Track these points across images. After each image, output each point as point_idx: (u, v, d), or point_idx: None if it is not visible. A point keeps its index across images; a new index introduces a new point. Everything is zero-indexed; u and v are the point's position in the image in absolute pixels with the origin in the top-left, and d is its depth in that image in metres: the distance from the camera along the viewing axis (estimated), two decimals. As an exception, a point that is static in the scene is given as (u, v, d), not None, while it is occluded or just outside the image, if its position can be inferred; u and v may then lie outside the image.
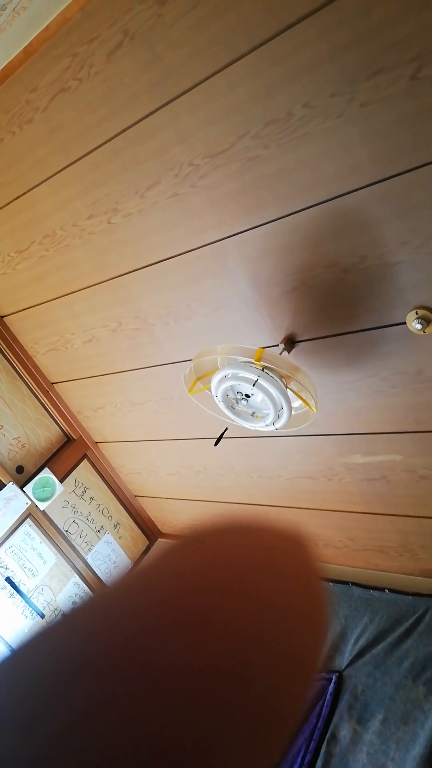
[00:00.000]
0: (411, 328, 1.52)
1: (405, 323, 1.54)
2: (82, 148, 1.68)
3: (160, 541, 3.25)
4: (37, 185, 1.87)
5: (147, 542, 3.21)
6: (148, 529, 3.22)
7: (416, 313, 1.49)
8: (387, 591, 2.19)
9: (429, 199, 1.31)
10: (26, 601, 2.55)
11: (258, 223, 1.57)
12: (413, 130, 1.23)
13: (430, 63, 1.13)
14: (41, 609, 2.60)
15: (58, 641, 0.26)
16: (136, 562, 3.11)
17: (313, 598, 0.32)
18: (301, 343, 1.77)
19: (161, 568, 0.31)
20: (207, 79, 1.38)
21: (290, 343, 1.78)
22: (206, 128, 1.46)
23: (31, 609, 2.56)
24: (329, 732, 1.88)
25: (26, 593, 2.56)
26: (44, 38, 1.48)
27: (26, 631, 2.55)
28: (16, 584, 2.53)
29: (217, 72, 1.35)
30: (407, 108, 1.20)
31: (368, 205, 1.39)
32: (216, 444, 1.80)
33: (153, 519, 3.22)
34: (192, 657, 0.24)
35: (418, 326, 1.50)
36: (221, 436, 1.82)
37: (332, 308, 1.63)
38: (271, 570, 0.32)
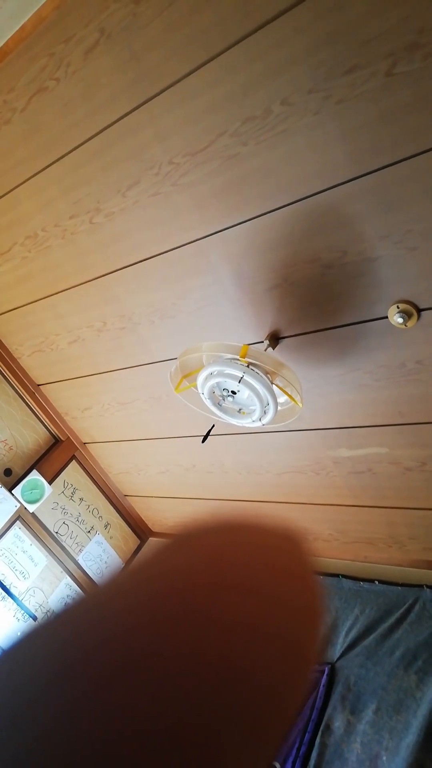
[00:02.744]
0: (393, 322, 1.53)
1: (387, 317, 1.55)
2: (62, 148, 1.68)
3: (151, 540, 3.25)
4: (17, 186, 1.86)
5: (138, 541, 3.21)
6: (138, 528, 3.22)
7: (398, 307, 1.51)
8: (377, 582, 2.22)
9: (407, 195, 1.32)
10: (18, 604, 2.54)
11: (240, 221, 1.58)
12: (389, 127, 1.24)
13: (404, 59, 1.14)
14: (33, 611, 2.60)
15: (49, 640, 0.26)
16: (128, 561, 3.11)
17: (308, 590, 0.32)
18: (286, 339, 1.78)
19: (155, 565, 0.31)
20: (184, 77, 1.38)
21: (275, 339, 1.79)
22: (185, 127, 1.46)
23: (23, 611, 2.56)
24: (323, 723, 1.90)
25: (17, 596, 2.55)
26: (20, 38, 1.47)
27: (18, 633, 2.54)
28: (7, 587, 2.52)
29: (195, 70, 1.36)
30: (383, 104, 1.21)
31: (347, 202, 1.40)
32: (203, 441, 1.80)
33: (143, 518, 3.22)
34: (188, 651, 0.24)
35: (400, 320, 1.51)
36: (208, 433, 1.82)
37: (315, 304, 1.64)
38: (266, 565, 0.32)
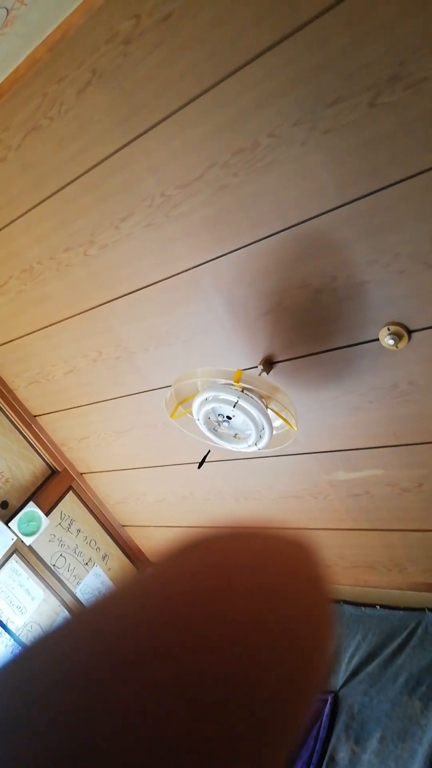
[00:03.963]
0: (384, 344, 1.56)
1: (378, 339, 1.58)
2: (56, 184, 1.72)
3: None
4: (12, 221, 1.89)
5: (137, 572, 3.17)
6: (137, 558, 3.19)
7: (388, 329, 1.54)
8: (378, 607, 2.20)
9: (393, 220, 1.36)
10: (15, 640, 2.50)
11: (231, 249, 1.61)
12: (373, 155, 1.28)
13: (386, 90, 1.19)
14: (31, 647, 2.55)
15: (51, 650, 0.26)
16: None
17: (319, 598, 0.32)
18: (280, 364, 1.81)
19: (166, 570, 0.31)
20: (175, 112, 1.43)
21: (269, 364, 1.81)
22: (176, 160, 1.51)
23: (20, 647, 2.51)
24: (327, 755, 1.86)
25: (14, 631, 2.51)
26: (14, 80, 1.53)
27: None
28: (4, 622, 2.48)
29: (184, 106, 1.41)
30: (367, 133, 1.26)
31: (335, 228, 1.44)
32: (199, 467, 1.81)
33: (142, 548, 3.19)
34: (191, 676, 0.24)
35: (391, 342, 1.54)
36: (204, 459, 1.83)
37: (307, 328, 1.67)
38: (276, 571, 0.32)
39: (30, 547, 2.64)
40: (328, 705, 1.97)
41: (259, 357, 1.82)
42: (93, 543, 2.97)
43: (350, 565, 2.34)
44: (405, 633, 2.04)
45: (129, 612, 0.27)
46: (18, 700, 0.23)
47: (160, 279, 1.80)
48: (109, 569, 3.01)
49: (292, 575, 0.33)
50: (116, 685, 0.23)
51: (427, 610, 2.07)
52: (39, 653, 0.26)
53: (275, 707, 0.25)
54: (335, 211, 1.41)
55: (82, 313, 2.07)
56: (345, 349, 1.66)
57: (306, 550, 0.35)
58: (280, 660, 0.26)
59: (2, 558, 2.54)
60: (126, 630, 0.25)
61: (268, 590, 0.30)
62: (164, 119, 1.45)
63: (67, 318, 2.12)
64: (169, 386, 1.73)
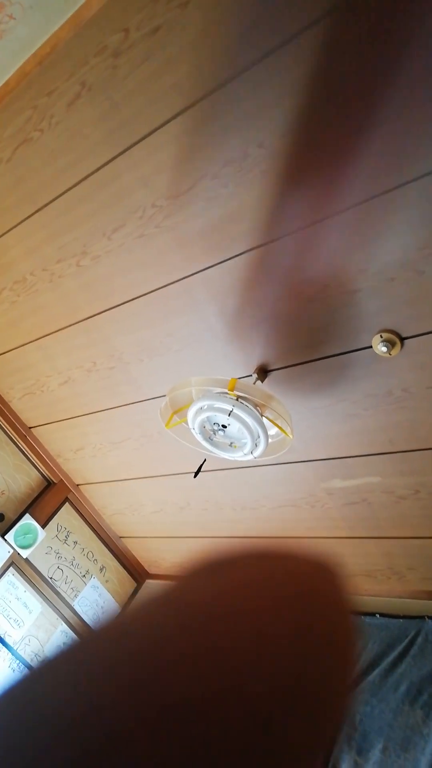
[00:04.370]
0: (377, 351, 1.56)
1: (371, 347, 1.58)
2: (47, 196, 1.72)
3: (148, 582, 3.20)
4: (4, 233, 1.90)
5: (134, 584, 3.16)
6: (135, 570, 3.17)
7: (381, 337, 1.54)
8: (377, 616, 2.18)
9: (382, 229, 1.36)
10: (13, 654, 2.48)
11: (222, 259, 1.62)
12: (359, 166, 1.29)
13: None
14: (28, 661, 2.53)
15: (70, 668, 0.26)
16: (125, 605, 3.05)
17: (343, 621, 0.31)
18: (274, 372, 1.80)
19: (177, 598, 0.30)
20: (164, 124, 1.43)
21: (263, 372, 1.81)
22: (167, 171, 1.51)
23: (18, 661, 2.49)
24: (330, 766, 1.84)
25: (12, 645, 2.49)
26: (4, 93, 1.53)
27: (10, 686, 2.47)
28: (2, 636, 2.46)
29: (173, 118, 1.41)
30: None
31: (326, 237, 1.44)
32: (195, 476, 1.80)
33: (139, 560, 3.17)
34: (216, 694, 0.23)
35: (384, 349, 1.54)
36: (200, 468, 1.82)
37: (301, 336, 1.67)
38: (300, 593, 0.31)
39: (27, 560, 2.63)
40: (328, 715, 1.95)
41: (254, 365, 1.82)
42: (90, 555, 2.95)
43: (349, 574, 2.32)
44: (405, 641, 2.03)
45: (154, 635, 0.26)
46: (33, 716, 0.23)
47: (153, 289, 1.80)
48: (106, 581, 2.99)
49: (316, 601, 0.32)
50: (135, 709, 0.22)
51: (427, 618, 2.05)
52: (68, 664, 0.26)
53: (300, 735, 0.24)
54: (325, 220, 1.41)
55: (75, 323, 2.07)
56: (338, 356, 1.66)
57: (330, 572, 0.35)
58: (303, 689, 0.26)
59: (-1, 571, 2.52)
60: (155, 652, 0.25)
61: (291, 614, 0.29)
62: (154, 131, 1.45)
63: (61, 329, 2.12)
64: (164, 396, 1.73)
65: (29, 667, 2.53)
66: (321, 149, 1.30)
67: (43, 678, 0.26)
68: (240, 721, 0.23)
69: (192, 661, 0.24)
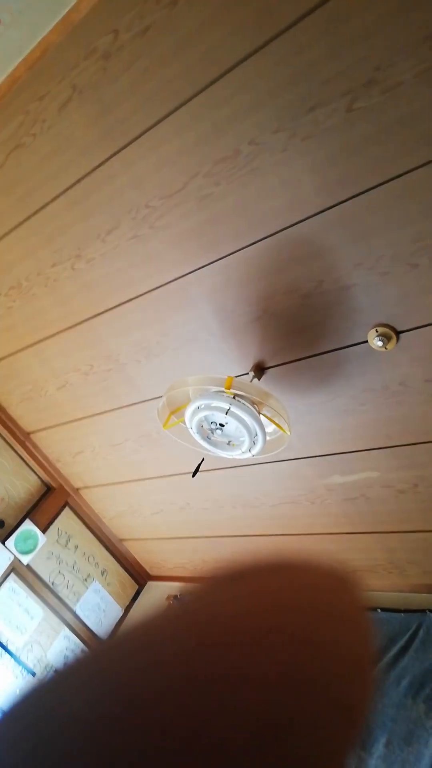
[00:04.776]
0: (373, 346, 1.57)
1: (367, 341, 1.59)
2: (41, 200, 1.73)
3: (150, 584, 3.20)
4: (-1, 238, 1.90)
5: (136, 587, 3.15)
6: (136, 573, 3.17)
7: (376, 331, 1.55)
8: (379, 610, 2.19)
9: (375, 223, 1.37)
10: (15, 660, 2.47)
11: (217, 257, 1.63)
12: (354, 159, 1.30)
13: (362, 96, 1.21)
14: (31, 667, 2.52)
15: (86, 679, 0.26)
16: (127, 608, 3.05)
17: (360, 637, 0.31)
18: (271, 369, 1.81)
19: (192, 613, 0.30)
20: (155, 125, 1.44)
21: (260, 370, 1.82)
22: (159, 171, 1.52)
23: (21, 668, 2.48)
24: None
25: (15, 652, 2.48)
26: (-4, 98, 1.54)
27: (18, 691, 2.47)
28: (4, 643, 2.45)
29: (165, 118, 1.42)
30: (345, 138, 1.27)
31: (319, 233, 1.45)
32: (194, 475, 1.80)
33: (141, 562, 3.17)
34: (235, 709, 0.23)
35: (380, 343, 1.55)
36: (198, 467, 1.82)
37: (296, 333, 1.68)
38: (318, 611, 0.31)
39: (28, 566, 2.62)
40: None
41: (250, 363, 1.83)
42: (91, 559, 2.95)
43: (350, 570, 2.33)
44: (407, 636, 2.03)
45: (168, 653, 0.26)
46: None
47: (148, 290, 1.81)
48: (108, 584, 2.99)
49: (332, 611, 0.32)
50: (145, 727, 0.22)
51: (428, 612, 2.06)
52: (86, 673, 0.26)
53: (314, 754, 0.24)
54: (319, 215, 1.42)
55: (72, 327, 2.07)
56: (335, 352, 1.67)
57: (346, 582, 0.35)
58: (319, 704, 0.26)
59: (0, 578, 2.51)
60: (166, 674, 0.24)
61: (308, 630, 0.29)
62: (145, 132, 1.46)
63: (58, 333, 2.12)
64: (162, 396, 1.73)
65: (33, 673, 2.52)
66: (314, 145, 1.32)
67: (55, 689, 0.26)
68: (258, 735, 0.23)
69: (212, 677, 0.24)
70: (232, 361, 1.86)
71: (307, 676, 0.26)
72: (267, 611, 0.29)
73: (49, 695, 0.26)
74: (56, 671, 0.27)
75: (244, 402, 1.58)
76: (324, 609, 0.31)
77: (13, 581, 2.56)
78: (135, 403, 2.22)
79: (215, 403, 1.58)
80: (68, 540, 2.85)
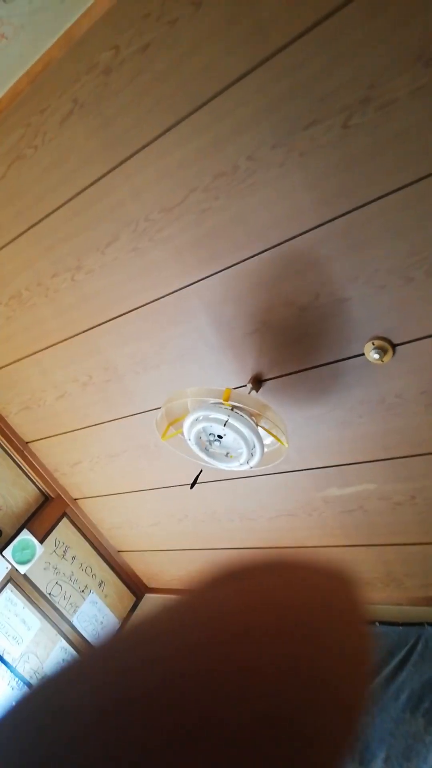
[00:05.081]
0: (370, 359, 1.58)
1: (364, 354, 1.59)
2: (42, 211, 1.74)
3: (148, 597, 3.18)
4: (-1, 249, 1.92)
5: (134, 599, 3.14)
6: (134, 584, 3.15)
7: (373, 344, 1.55)
8: (377, 624, 2.18)
9: (371, 236, 1.38)
10: (11, 671, 2.46)
11: (215, 271, 1.64)
12: (348, 174, 1.31)
13: (357, 112, 1.22)
14: (27, 678, 2.51)
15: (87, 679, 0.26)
16: (125, 620, 3.03)
17: (358, 635, 0.31)
18: (268, 382, 1.82)
19: (191, 609, 0.30)
20: (155, 139, 1.46)
21: (257, 382, 1.83)
22: (159, 185, 1.54)
23: (17, 679, 2.47)
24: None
25: (11, 663, 2.47)
26: (-2, 112, 1.56)
27: (13, 703, 2.44)
28: (0, 654, 2.44)
29: (165, 132, 1.44)
30: (341, 154, 1.29)
31: (316, 246, 1.46)
32: (192, 487, 1.81)
33: (138, 573, 3.16)
34: (234, 706, 0.23)
35: (376, 356, 1.55)
36: (197, 479, 1.82)
37: (294, 345, 1.69)
38: (316, 609, 0.31)
39: (25, 576, 2.62)
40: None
41: (248, 375, 1.83)
42: (89, 570, 2.94)
43: (349, 568, 2.32)
44: (405, 649, 2.02)
45: (160, 652, 0.26)
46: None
47: (146, 302, 1.82)
48: (105, 596, 2.98)
49: (332, 610, 0.32)
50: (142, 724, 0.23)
51: (426, 625, 2.05)
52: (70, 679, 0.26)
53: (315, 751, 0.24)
54: (315, 229, 1.43)
55: (71, 337, 2.08)
56: (332, 364, 1.67)
57: (345, 580, 0.35)
58: (316, 700, 0.26)
59: (-3, 588, 2.51)
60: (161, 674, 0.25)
61: (307, 628, 0.29)
62: (145, 146, 1.48)
63: (57, 343, 2.13)
64: (160, 408, 1.74)
65: (29, 684, 2.50)
66: (311, 160, 1.33)
67: (44, 693, 0.27)
68: (256, 732, 0.23)
69: (202, 677, 0.24)
70: (229, 373, 1.86)
71: (305, 672, 0.26)
72: (267, 608, 0.29)
73: (52, 687, 0.26)
74: (60, 667, 0.27)
75: (242, 414, 1.58)
76: (323, 607, 0.31)
77: (10, 591, 2.55)
78: (133, 414, 2.22)
79: (213, 415, 1.58)
80: (66, 550, 2.85)
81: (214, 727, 0.22)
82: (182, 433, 1.73)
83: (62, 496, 2.86)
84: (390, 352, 1.54)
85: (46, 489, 2.82)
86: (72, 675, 0.27)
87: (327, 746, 0.25)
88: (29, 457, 2.73)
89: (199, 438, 1.69)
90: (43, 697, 0.26)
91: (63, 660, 2.66)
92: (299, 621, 0.29)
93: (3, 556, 2.53)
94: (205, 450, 1.73)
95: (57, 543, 2.81)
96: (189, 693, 0.23)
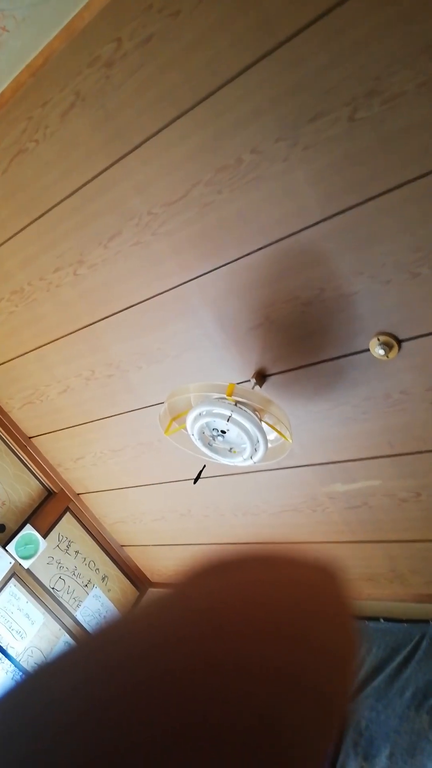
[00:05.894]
0: (375, 354, 1.56)
1: (369, 350, 1.58)
2: (44, 206, 1.73)
3: (151, 591, 3.18)
4: (1, 244, 1.90)
5: (137, 593, 3.14)
6: (137, 579, 3.16)
7: (378, 340, 1.54)
8: (382, 620, 2.17)
9: (377, 231, 1.37)
10: (15, 665, 2.46)
11: (218, 265, 1.62)
12: (356, 168, 1.30)
13: (364, 106, 1.20)
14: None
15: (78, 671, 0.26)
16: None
17: (344, 632, 0.31)
18: (272, 377, 1.81)
19: (178, 602, 0.30)
20: (158, 132, 1.44)
21: (261, 377, 1.81)
22: (161, 179, 1.52)
23: (21, 673, 2.47)
24: (336, 773, 1.83)
25: (15, 657, 2.47)
26: None
27: (3, 691, 2.45)
28: (4, 648, 2.45)
29: (167, 126, 1.42)
30: (347, 148, 1.27)
31: (320, 241, 1.44)
32: (195, 482, 1.80)
33: (141, 568, 3.16)
34: (218, 701, 0.23)
35: (381, 352, 1.54)
36: (200, 474, 1.82)
37: (298, 341, 1.67)
38: (302, 605, 0.30)
39: (28, 571, 2.62)
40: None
41: (251, 370, 1.82)
42: (92, 564, 2.94)
43: (352, 578, 2.31)
44: (410, 646, 2.01)
45: (146, 646, 0.26)
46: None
47: (149, 296, 1.81)
48: (109, 590, 2.98)
49: (316, 606, 0.31)
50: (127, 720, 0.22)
51: (431, 622, 2.04)
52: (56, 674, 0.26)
53: (301, 741, 0.24)
54: (320, 224, 1.42)
55: (73, 332, 2.07)
56: (336, 360, 1.66)
57: (331, 576, 0.34)
58: (298, 697, 0.25)
59: (0, 582, 2.51)
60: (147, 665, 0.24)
61: (290, 625, 0.29)
62: (148, 139, 1.46)
63: (59, 338, 2.12)
64: (163, 403, 1.73)
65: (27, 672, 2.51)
66: (315, 154, 1.31)
67: (39, 681, 0.26)
68: (239, 726, 0.22)
69: (190, 667, 0.24)
70: (233, 368, 1.85)
71: (288, 669, 0.26)
72: (250, 603, 0.29)
73: (44, 676, 0.26)
74: (52, 657, 0.27)
75: (246, 409, 1.57)
76: (308, 602, 0.31)
77: (13, 586, 2.56)
78: (136, 409, 2.22)
79: (217, 410, 1.57)
80: (69, 545, 2.85)
81: (195, 726, 0.22)
82: (185, 429, 1.72)
83: (65, 491, 2.86)
84: (395, 348, 1.53)
85: (49, 484, 2.82)
86: (65, 665, 0.27)
87: (309, 743, 0.25)
88: (32, 452, 2.73)
89: (202, 433, 1.69)
90: (35, 686, 0.26)
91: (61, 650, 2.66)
92: (283, 617, 0.29)
93: (6, 551, 2.53)
94: (209, 445, 1.72)
95: (60, 538, 2.81)
96: (168, 691, 0.23)
